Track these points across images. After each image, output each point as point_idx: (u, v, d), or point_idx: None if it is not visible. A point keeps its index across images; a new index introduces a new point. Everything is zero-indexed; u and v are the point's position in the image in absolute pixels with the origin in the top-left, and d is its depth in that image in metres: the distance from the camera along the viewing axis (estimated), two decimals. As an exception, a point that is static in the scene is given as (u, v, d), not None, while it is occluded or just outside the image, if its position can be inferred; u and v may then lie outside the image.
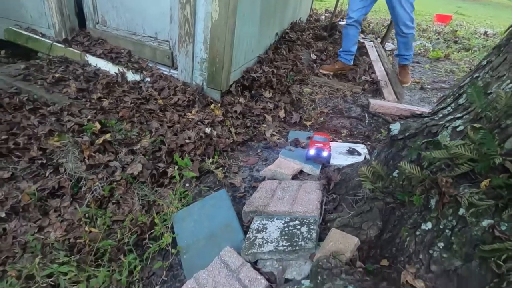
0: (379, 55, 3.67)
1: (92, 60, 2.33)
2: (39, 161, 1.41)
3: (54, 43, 2.39)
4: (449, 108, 1.04)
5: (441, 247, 0.74)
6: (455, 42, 5.00)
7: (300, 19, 4.26)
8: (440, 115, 1.05)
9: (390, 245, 0.85)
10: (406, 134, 1.06)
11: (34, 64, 2.22)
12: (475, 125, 0.77)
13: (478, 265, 0.69)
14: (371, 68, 3.35)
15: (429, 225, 0.80)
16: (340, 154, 1.77)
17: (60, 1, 2.33)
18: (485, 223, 0.71)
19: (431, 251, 0.75)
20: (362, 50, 3.76)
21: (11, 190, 1.30)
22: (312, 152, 1.51)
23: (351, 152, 1.77)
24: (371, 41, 4.10)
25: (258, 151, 1.92)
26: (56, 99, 1.89)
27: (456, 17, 9.27)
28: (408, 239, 0.81)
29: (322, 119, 2.45)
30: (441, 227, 0.77)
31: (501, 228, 0.69)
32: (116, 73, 2.25)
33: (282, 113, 2.41)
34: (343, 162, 1.59)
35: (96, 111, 1.79)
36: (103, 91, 2.04)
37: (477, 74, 1.01)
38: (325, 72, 3.07)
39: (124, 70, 2.27)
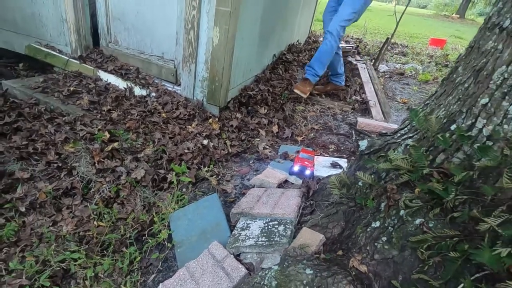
0: (370, 76, 3.91)
1: (104, 75, 2.56)
2: (55, 164, 1.61)
3: (70, 59, 2.64)
4: (405, 129, 1.23)
5: (384, 241, 0.92)
6: (446, 65, 5.27)
7: (298, 41, 4.54)
8: (399, 134, 1.24)
9: (347, 240, 1.02)
10: (371, 150, 1.26)
11: (51, 78, 2.45)
12: (412, 143, 0.97)
13: (410, 254, 0.86)
14: (362, 89, 3.59)
15: (377, 224, 0.97)
16: (323, 167, 1.96)
17: (78, 23, 2.60)
18: (417, 221, 0.89)
19: (376, 244, 0.93)
20: (354, 71, 4.02)
21: (30, 188, 1.49)
22: (296, 168, 1.63)
23: (334, 165, 1.96)
24: (363, 63, 4.36)
25: (251, 162, 2.12)
26: (70, 110, 2.11)
27: (453, 40, 9.65)
28: (361, 235, 0.99)
29: (312, 135, 2.65)
30: (386, 225, 0.95)
31: (429, 225, 0.87)
32: (124, 88, 2.48)
33: (275, 128, 2.62)
34: (324, 174, 1.77)
35: (105, 122, 2.01)
36: (112, 104, 2.26)
37: (428, 102, 1.21)
38: (299, 92, 2.98)
39: (132, 85, 2.50)
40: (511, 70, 0.80)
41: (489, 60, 0.87)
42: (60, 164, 1.61)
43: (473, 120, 0.87)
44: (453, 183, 0.82)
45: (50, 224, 1.37)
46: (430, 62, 5.43)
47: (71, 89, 2.32)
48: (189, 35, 2.22)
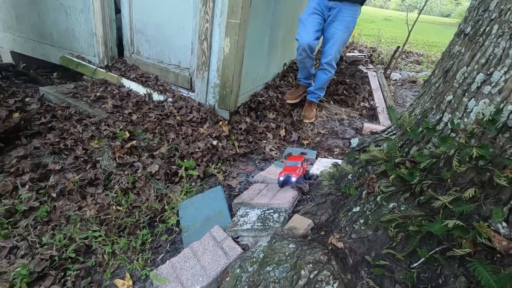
0: (380, 84, 3.98)
1: (126, 82, 2.83)
2: (82, 158, 1.83)
3: (98, 68, 2.94)
4: (392, 127, 1.34)
5: (361, 223, 1.03)
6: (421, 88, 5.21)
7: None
8: (386, 132, 1.35)
9: (332, 224, 1.13)
10: (361, 146, 1.37)
11: (81, 85, 2.74)
12: (386, 136, 1.08)
13: (382, 233, 0.97)
14: (371, 96, 3.67)
15: (357, 208, 1.09)
16: (325, 167, 2.07)
17: (105, 36, 2.90)
18: (391, 205, 1.00)
19: (354, 225, 1.04)
20: (364, 79, 4.10)
21: (61, 178, 1.71)
22: (281, 178, 1.55)
23: (335, 166, 2.06)
24: (374, 71, 4.44)
25: (256, 162, 2.26)
26: (96, 112, 2.36)
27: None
28: (343, 218, 1.10)
29: (318, 139, 2.76)
30: (364, 209, 1.06)
31: (400, 208, 0.97)
32: (144, 94, 2.73)
33: (282, 132, 2.76)
34: (324, 173, 1.89)
35: (126, 123, 2.23)
36: (133, 108, 2.50)
37: (413, 102, 1.32)
38: (291, 101, 2.96)
39: (151, 91, 2.74)
40: (470, 70, 0.91)
41: (455, 62, 0.98)
42: (86, 158, 1.83)
43: (441, 115, 0.98)
44: (418, 169, 0.92)
45: (76, 209, 1.57)
46: (444, 70, 5.38)
47: (98, 94, 2.58)
48: (202, 45, 2.44)
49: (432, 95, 1.05)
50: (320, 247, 0.96)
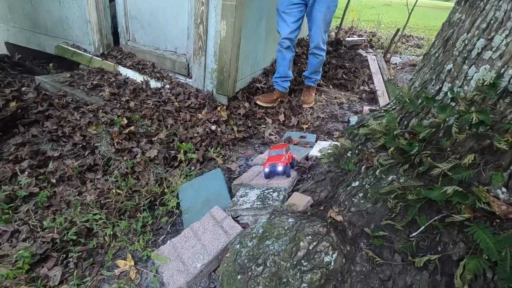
0: (379, 67, 3.93)
1: (123, 70, 2.80)
2: (80, 145, 1.82)
3: (93, 56, 2.90)
4: (391, 103, 1.33)
5: (360, 196, 1.03)
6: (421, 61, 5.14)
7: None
8: (385, 108, 1.34)
9: (331, 200, 1.13)
10: (360, 124, 1.36)
11: (77, 73, 2.72)
12: (385, 109, 1.06)
13: (381, 205, 0.97)
14: (371, 79, 3.62)
15: (356, 183, 1.08)
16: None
17: (100, 23, 2.85)
18: (390, 178, 0.99)
19: (353, 199, 1.03)
20: (364, 63, 4.05)
21: (60, 164, 1.71)
22: (266, 169, 1.44)
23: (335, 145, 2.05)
24: (374, 55, 4.38)
25: (256, 146, 2.26)
26: (93, 100, 2.34)
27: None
28: (342, 193, 1.10)
29: (318, 123, 2.74)
30: (363, 183, 1.06)
31: (399, 180, 0.97)
32: (141, 81, 2.70)
33: (281, 117, 2.74)
34: (323, 154, 1.88)
35: (124, 110, 2.22)
36: (130, 95, 2.48)
37: (412, 76, 1.30)
38: (262, 104, 2.73)
39: (148, 78, 2.71)
40: (470, 37, 0.89)
41: (455, 30, 0.95)
42: (84, 144, 1.82)
43: (440, 85, 0.96)
44: (417, 139, 0.91)
45: (76, 194, 1.58)
46: (445, 53, 5.31)
47: (94, 82, 2.56)
48: (198, 29, 2.40)
49: (432, 66, 1.03)
50: (319, 221, 0.96)
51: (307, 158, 1.93)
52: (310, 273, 0.81)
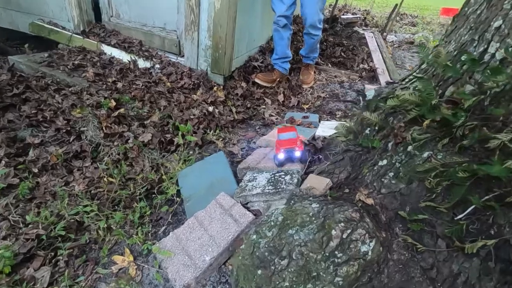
0: (378, 45, 3.79)
1: (107, 49, 2.56)
2: (64, 130, 1.64)
3: (73, 34, 2.64)
4: (414, 73, 1.20)
5: (391, 176, 0.91)
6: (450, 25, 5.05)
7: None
8: (407, 80, 1.20)
9: (354, 181, 1.01)
10: (379, 98, 1.23)
11: (56, 53, 2.46)
12: (419, 75, 0.94)
13: (417, 185, 0.85)
14: (370, 57, 3.49)
15: (384, 162, 0.96)
16: (330, 129, 1.93)
17: (79, -3, 2.57)
18: (425, 154, 0.88)
19: (383, 180, 0.92)
20: (362, 40, 3.90)
21: (42, 152, 1.53)
22: (281, 156, 1.26)
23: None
24: (371, 32, 4.22)
25: (257, 127, 2.11)
26: (76, 82, 2.12)
27: (465, 11, 9.21)
28: (367, 174, 0.98)
29: (319, 102, 2.61)
30: (393, 161, 0.94)
31: (437, 156, 0.85)
32: (128, 61, 2.47)
33: (281, 97, 2.58)
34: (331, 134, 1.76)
35: (111, 92, 2.01)
36: (117, 76, 2.26)
37: (438, 43, 1.16)
38: (261, 83, 2.57)
39: (136, 58, 2.49)
40: (527, -15, 0.75)
41: (503, -20, 0.81)
42: (69, 129, 1.63)
43: (485, 46, 0.83)
44: (462, 109, 0.79)
45: (63, 184, 1.41)
46: (441, 31, 5.21)
47: (76, 62, 2.32)
48: (190, 1, 2.18)
49: (472, 25, 0.90)
50: (349, 205, 0.84)
51: (313, 138, 1.81)
52: (345, 265, 0.70)
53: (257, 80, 2.57)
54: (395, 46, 4.37)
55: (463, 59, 0.89)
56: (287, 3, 2.31)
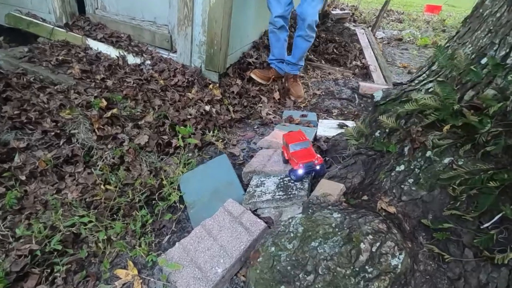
0: (369, 42, 3.81)
1: (93, 44, 2.41)
2: (52, 132, 1.52)
3: (55, 27, 2.46)
4: (424, 75, 1.18)
5: (410, 182, 0.89)
6: (443, 30, 5.17)
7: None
8: (416, 81, 1.19)
9: (370, 187, 0.99)
10: (387, 100, 1.20)
11: (37, 47, 2.29)
12: (440, 79, 0.91)
13: (439, 192, 0.84)
14: (362, 54, 3.50)
15: (402, 167, 0.94)
16: (330, 128, 1.92)
17: (60, -13, 2.40)
18: (446, 160, 0.86)
19: (402, 186, 0.90)
20: (353, 37, 3.90)
21: (28, 157, 1.41)
22: (300, 172, 1.14)
23: (341, 126, 1.92)
24: (362, 28, 4.23)
25: (255, 127, 2.06)
26: (61, 79, 1.98)
27: (446, 8, 9.47)
28: (384, 180, 0.96)
29: (314, 100, 2.59)
30: (411, 167, 0.92)
31: (458, 163, 0.84)
32: (117, 57, 2.34)
33: (276, 95, 2.54)
34: (333, 134, 1.73)
35: (101, 90, 1.89)
36: (106, 73, 2.14)
37: (448, 45, 1.15)
38: (257, 79, 2.47)
39: (125, 53, 2.36)
40: (553, -11, 0.74)
41: (526, -18, 0.80)
42: (58, 132, 1.52)
43: (507, 50, 0.82)
44: (487, 115, 0.78)
45: (54, 192, 1.31)
46: (427, 28, 5.32)
47: (60, 58, 2.17)
48: (183, -6, 2.07)
49: (491, 28, 0.88)
50: (372, 214, 0.81)
51: (315, 138, 1.79)
52: (376, 280, 0.67)
53: (253, 76, 2.48)
54: (384, 42, 4.41)
55: (483, 62, 0.87)
56: (285, 3, 2.20)
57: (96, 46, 2.40)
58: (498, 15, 0.87)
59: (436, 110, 0.89)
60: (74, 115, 1.58)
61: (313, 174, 1.24)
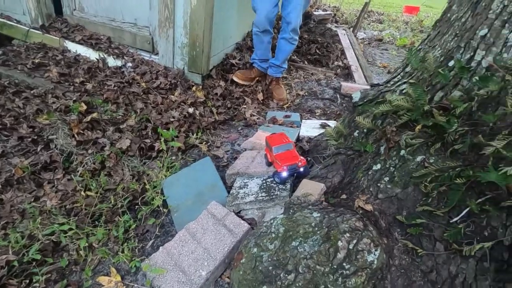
0: (350, 42, 3.89)
1: (72, 46, 2.35)
2: (29, 139, 1.47)
3: (31, 29, 2.38)
4: (398, 76, 1.23)
5: (386, 181, 0.93)
6: (421, 31, 5.35)
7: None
8: (392, 83, 1.23)
9: (349, 186, 1.02)
10: (365, 100, 1.24)
11: (11, 50, 2.21)
12: (412, 81, 0.96)
13: (413, 189, 0.88)
14: (343, 55, 3.57)
15: (378, 166, 0.98)
16: (313, 128, 1.95)
17: (35, -13, 2.32)
18: (418, 158, 0.90)
19: (379, 184, 0.93)
20: (335, 38, 3.97)
21: (4, 165, 1.36)
22: (285, 174, 1.15)
23: (323, 126, 1.96)
24: (343, 29, 4.32)
25: (239, 129, 2.07)
26: (38, 83, 1.92)
27: (424, 9, 9.79)
28: (362, 178, 0.99)
29: (298, 100, 2.62)
30: (387, 166, 0.96)
31: (430, 161, 0.88)
32: (97, 59, 2.29)
33: (260, 96, 2.56)
34: (315, 134, 1.77)
35: (80, 94, 1.85)
36: (85, 76, 2.09)
37: (420, 47, 1.20)
38: (240, 81, 2.45)
39: (105, 56, 2.31)
40: (511, -4, 0.79)
41: (488, -10, 0.85)
42: (35, 138, 1.47)
43: (472, 54, 0.87)
44: (454, 115, 0.82)
45: (32, 200, 1.27)
46: (406, 28, 5.48)
47: (36, 61, 2.11)
48: (164, -4, 2.06)
49: (457, 32, 0.93)
50: (349, 212, 0.84)
51: (298, 139, 1.82)
52: (354, 276, 0.70)
53: (235, 79, 2.48)
54: (365, 43, 4.52)
55: (450, 65, 0.92)
56: (271, 5, 2.15)
57: (75, 48, 2.34)
58: (463, 20, 0.92)
59: (408, 110, 0.94)
60: (52, 120, 1.54)
61: (294, 175, 1.26)
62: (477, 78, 0.79)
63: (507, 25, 0.79)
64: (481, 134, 0.81)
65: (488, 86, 0.75)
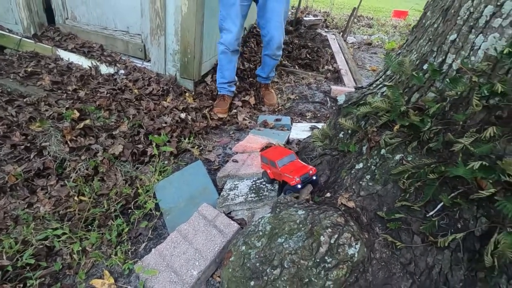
0: (340, 47, 3.98)
1: (64, 54, 2.38)
2: (22, 146, 1.50)
3: (23, 38, 2.41)
4: (380, 79, 1.28)
5: (368, 179, 0.97)
6: (410, 35, 5.48)
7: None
8: (374, 85, 1.29)
9: (333, 185, 1.07)
10: (350, 102, 1.30)
11: (3, 59, 2.24)
12: (390, 83, 1.01)
13: (392, 186, 0.92)
14: (333, 59, 3.65)
15: (360, 165, 1.02)
16: (303, 131, 2.00)
17: (27, -3, 2.36)
18: (397, 157, 0.95)
19: (361, 182, 0.98)
20: (325, 42, 4.06)
21: (-3, 172, 1.38)
22: (299, 187, 1.08)
23: (313, 128, 2.01)
24: (333, 34, 4.41)
25: (231, 133, 2.11)
26: (31, 91, 1.95)
27: (413, 13, 10.02)
28: (346, 177, 1.04)
29: (289, 104, 2.67)
30: (368, 165, 1.00)
31: (407, 159, 0.93)
32: (89, 67, 2.33)
33: (252, 100, 2.61)
34: (305, 137, 1.82)
35: (73, 101, 1.88)
36: (78, 84, 2.12)
37: (399, 51, 1.26)
38: (221, 115, 2.25)
39: (98, 63, 2.35)
40: (476, 4, 0.85)
41: (456, -2, 0.91)
42: (28, 145, 1.50)
43: (443, 57, 0.92)
44: (428, 115, 0.87)
45: (25, 206, 1.29)
46: (394, 32, 5.61)
47: (29, 70, 2.14)
48: (155, 5, 2.10)
49: (430, 37, 0.99)
50: (332, 209, 0.88)
51: (288, 142, 1.86)
52: (335, 269, 0.74)
53: (219, 115, 2.25)
54: (355, 47, 4.61)
55: (425, 68, 0.97)
56: (240, 24, 2.03)
57: (67, 56, 2.38)
58: (435, 25, 0.98)
59: (387, 112, 0.99)
60: (45, 127, 1.56)
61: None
62: (448, 80, 0.85)
63: (473, 30, 0.85)
64: (453, 132, 0.86)
65: (457, 88, 0.80)
